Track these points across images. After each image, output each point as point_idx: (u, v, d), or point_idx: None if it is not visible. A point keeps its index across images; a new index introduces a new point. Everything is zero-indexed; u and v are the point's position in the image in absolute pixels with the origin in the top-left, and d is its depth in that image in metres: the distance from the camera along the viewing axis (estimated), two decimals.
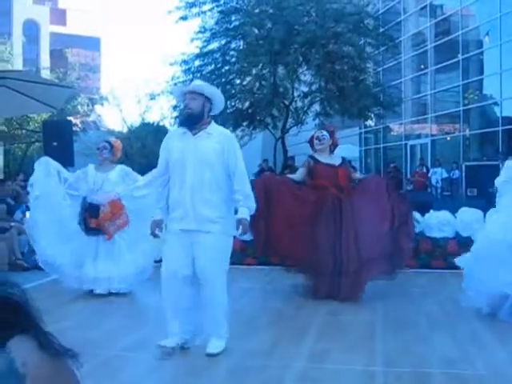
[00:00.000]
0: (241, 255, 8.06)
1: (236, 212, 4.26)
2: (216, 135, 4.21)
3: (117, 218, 6.26)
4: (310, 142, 6.49)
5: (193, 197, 4.09)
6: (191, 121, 4.22)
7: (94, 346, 4.22)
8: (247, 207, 4.19)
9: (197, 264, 4.11)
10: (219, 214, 4.12)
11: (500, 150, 19.38)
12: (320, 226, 5.97)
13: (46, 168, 6.41)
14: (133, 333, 4.75)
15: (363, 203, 6.07)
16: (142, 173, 6.61)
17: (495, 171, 6.90)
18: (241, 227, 4.16)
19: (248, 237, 7.56)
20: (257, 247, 6.55)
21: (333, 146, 6.44)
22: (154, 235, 4.34)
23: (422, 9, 29.80)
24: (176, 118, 21.44)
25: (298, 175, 6.43)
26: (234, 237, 4.36)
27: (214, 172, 4.13)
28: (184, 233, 4.13)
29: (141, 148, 30.24)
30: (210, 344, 4.15)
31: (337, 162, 6.32)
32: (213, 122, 4.32)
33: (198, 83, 4.55)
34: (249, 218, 4.22)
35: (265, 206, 5.82)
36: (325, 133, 6.39)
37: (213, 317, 4.20)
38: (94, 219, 6.22)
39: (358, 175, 6.63)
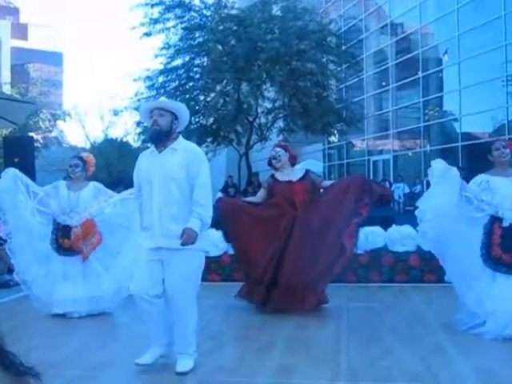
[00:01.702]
0: (205, 272, 8.02)
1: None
2: (181, 150, 4.17)
3: (90, 237, 6.14)
4: (269, 163, 6.49)
5: (160, 214, 4.06)
6: (159, 137, 4.18)
7: (60, 366, 4.15)
8: (199, 218, 4.05)
9: (166, 282, 4.07)
10: None
11: (460, 165, 19.76)
12: (271, 243, 6.07)
13: (13, 180, 6.11)
14: (100, 351, 4.67)
15: (320, 215, 6.10)
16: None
17: None
18: (184, 236, 3.98)
19: (212, 253, 7.58)
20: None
21: (292, 160, 6.42)
22: None
23: (383, 27, 30.41)
24: (140, 134, 21.34)
25: (258, 197, 6.48)
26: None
27: (181, 187, 4.09)
28: (154, 251, 4.08)
29: (104, 164, 29.98)
30: (179, 362, 4.12)
31: (297, 176, 6.30)
32: (180, 137, 4.28)
33: (167, 100, 4.51)
34: (198, 230, 4.03)
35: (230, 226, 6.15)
36: (278, 149, 6.39)
37: (182, 335, 4.15)
38: (66, 240, 6.09)
39: (326, 183, 6.56)
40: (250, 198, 6.95)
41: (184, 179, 4.10)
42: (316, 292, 6.09)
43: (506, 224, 5.07)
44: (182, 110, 4.33)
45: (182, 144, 4.25)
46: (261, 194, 6.43)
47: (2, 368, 1.31)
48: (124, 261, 6.11)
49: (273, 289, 6.06)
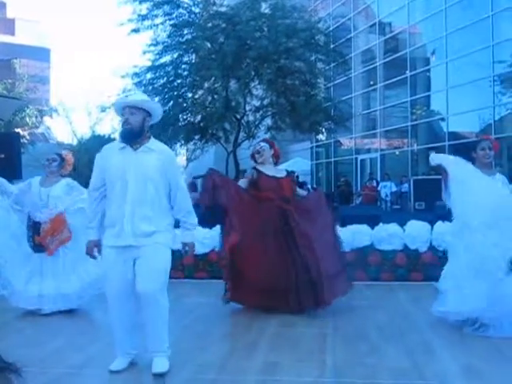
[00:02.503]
0: (193, 269, 8.03)
1: (177, 224, 4.26)
2: (157, 151, 4.13)
3: (58, 233, 6.08)
4: (252, 157, 6.44)
5: (133, 213, 4.00)
6: (131, 136, 4.08)
7: (42, 364, 4.12)
8: (192, 227, 4.24)
9: (138, 279, 4.02)
10: (157, 228, 4.05)
11: None
12: (269, 241, 5.96)
13: None
14: (82, 350, 4.64)
15: (309, 216, 6.17)
16: None
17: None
18: (188, 249, 4.24)
19: (200, 250, 7.57)
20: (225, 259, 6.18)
21: (275, 158, 6.38)
22: (91, 256, 4.24)
23: (372, 26, 30.49)
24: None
25: (241, 184, 6.30)
26: (186, 251, 4.33)
27: (156, 188, 4.06)
28: (121, 249, 4.03)
29: (91, 161, 29.82)
30: (156, 363, 4.07)
31: (280, 174, 6.29)
32: (152, 138, 4.23)
33: (139, 97, 4.32)
34: (194, 240, 4.30)
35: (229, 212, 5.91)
36: (263, 144, 6.35)
37: (155, 332, 4.10)
38: (37, 236, 6.06)
39: (301, 192, 6.57)
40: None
41: (160, 180, 4.08)
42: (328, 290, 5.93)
43: None
44: (154, 107, 4.27)
45: (156, 145, 4.20)
46: (242, 184, 6.26)
47: None
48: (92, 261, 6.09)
49: (283, 293, 5.85)
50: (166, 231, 4.14)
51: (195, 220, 4.26)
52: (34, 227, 6.09)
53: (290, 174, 6.43)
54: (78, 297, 6.13)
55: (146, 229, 4.01)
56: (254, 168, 6.27)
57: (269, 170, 6.24)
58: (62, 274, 6.10)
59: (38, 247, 6.08)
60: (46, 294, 5.97)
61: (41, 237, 6.04)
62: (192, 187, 15.27)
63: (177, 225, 4.28)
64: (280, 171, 6.38)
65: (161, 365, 4.05)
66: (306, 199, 6.53)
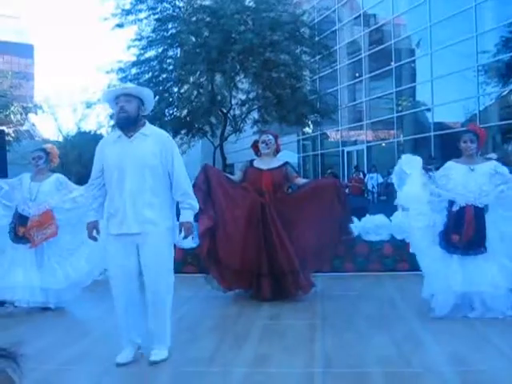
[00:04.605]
0: (181, 263, 8.04)
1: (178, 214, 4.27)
2: (152, 136, 4.17)
3: (45, 227, 6.07)
4: (254, 147, 6.57)
5: (134, 201, 4.04)
6: (127, 123, 4.14)
7: (32, 361, 4.12)
8: (190, 208, 4.20)
9: (144, 265, 4.09)
10: (161, 216, 4.10)
11: (433, 155, 19.97)
12: (248, 228, 6.16)
13: None
14: (72, 346, 4.65)
15: (292, 207, 6.29)
16: (80, 183, 6.46)
17: None
18: (183, 230, 4.16)
19: (188, 244, 7.58)
20: (202, 246, 6.35)
21: (275, 151, 6.59)
22: (92, 238, 4.30)
23: (356, 18, 30.53)
24: (113, 126, 21.18)
25: (235, 177, 6.59)
26: (174, 245, 4.35)
27: (155, 174, 4.10)
28: (125, 236, 4.08)
29: (77, 157, 29.72)
30: (154, 351, 4.14)
31: (274, 165, 6.43)
32: (147, 123, 4.28)
33: (133, 86, 4.51)
34: (192, 220, 4.24)
35: (207, 199, 6.08)
36: (271, 137, 6.52)
37: (157, 320, 4.17)
38: (21, 227, 6.04)
39: (300, 181, 6.67)
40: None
41: (158, 166, 4.12)
42: (303, 278, 6.17)
43: (455, 208, 5.33)
44: (147, 94, 4.32)
45: (151, 130, 4.25)
46: (236, 177, 6.57)
47: None
48: (79, 258, 6.13)
49: (261, 278, 6.14)
50: (170, 219, 4.18)
51: (194, 202, 4.24)
52: (21, 219, 6.07)
53: (284, 165, 6.50)
54: (61, 295, 6.09)
55: (150, 215, 4.06)
56: (250, 161, 6.55)
57: (263, 162, 6.41)
58: (48, 267, 6.08)
59: (20, 239, 6.04)
60: (25, 286, 5.89)
61: (27, 228, 6.01)
62: None
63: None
64: (275, 161, 6.50)
65: (160, 354, 4.13)
66: (301, 188, 6.60)
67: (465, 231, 5.23)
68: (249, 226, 6.18)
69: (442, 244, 5.32)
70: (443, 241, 5.31)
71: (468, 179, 5.37)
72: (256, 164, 6.46)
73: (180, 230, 4.18)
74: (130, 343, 4.19)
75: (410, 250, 5.85)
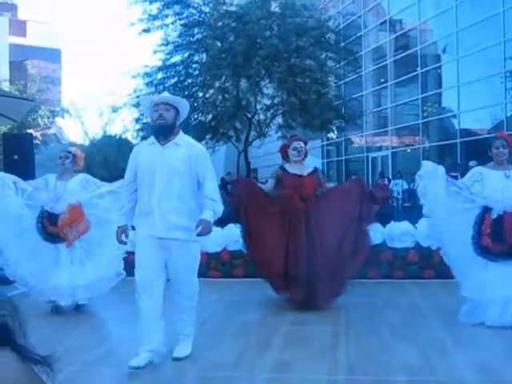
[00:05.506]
0: (204, 268, 8.06)
1: None
2: (184, 146, 4.26)
3: (77, 224, 6.14)
4: (283, 151, 6.54)
5: (161, 206, 4.13)
6: (164, 131, 4.24)
7: (61, 361, 4.15)
8: (212, 210, 4.21)
9: (172, 268, 4.22)
10: (187, 222, 4.16)
11: (459, 161, 19.79)
12: (289, 237, 6.09)
13: (1, 181, 6.20)
14: (96, 347, 4.69)
15: (327, 211, 6.21)
16: None
17: None
18: (200, 227, 4.11)
19: (212, 249, 7.61)
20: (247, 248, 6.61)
21: (304, 156, 6.53)
22: (121, 242, 4.36)
23: (382, 24, 30.41)
24: (139, 130, 21.36)
25: (267, 186, 6.52)
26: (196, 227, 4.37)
27: (183, 181, 4.18)
28: (154, 239, 4.17)
29: (103, 161, 29.94)
30: (180, 347, 4.27)
31: (307, 171, 6.40)
32: (181, 132, 4.37)
33: (171, 95, 4.62)
34: (212, 220, 4.23)
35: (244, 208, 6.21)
36: (302, 144, 6.48)
37: (183, 323, 4.34)
38: (52, 227, 6.09)
39: (330, 185, 6.68)
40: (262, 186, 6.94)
41: (187, 173, 4.19)
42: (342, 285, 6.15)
43: (494, 215, 5.26)
44: (184, 105, 4.45)
45: (184, 139, 4.34)
46: (270, 184, 6.49)
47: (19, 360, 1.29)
48: (107, 254, 6.15)
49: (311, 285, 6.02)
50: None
51: (219, 207, 4.27)
52: (50, 218, 6.14)
53: (316, 170, 6.52)
54: (90, 291, 6.13)
55: (177, 221, 4.15)
56: (280, 167, 6.50)
57: (296, 168, 6.37)
58: (78, 265, 6.14)
59: (52, 237, 6.12)
60: (63, 286, 5.96)
61: (58, 227, 6.08)
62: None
63: None
64: (307, 168, 6.48)
65: (183, 349, 4.28)
66: (332, 191, 6.57)
67: (507, 238, 5.17)
68: (289, 234, 6.12)
69: (477, 251, 5.27)
70: (479, 248, 5.26)
71: (505, 186, 5.32)
72: (290, 170, 6.39)
73: (197, 227, 4.14)
74: (146, 348, 4.16)
75: (444, 258, 5.72)
